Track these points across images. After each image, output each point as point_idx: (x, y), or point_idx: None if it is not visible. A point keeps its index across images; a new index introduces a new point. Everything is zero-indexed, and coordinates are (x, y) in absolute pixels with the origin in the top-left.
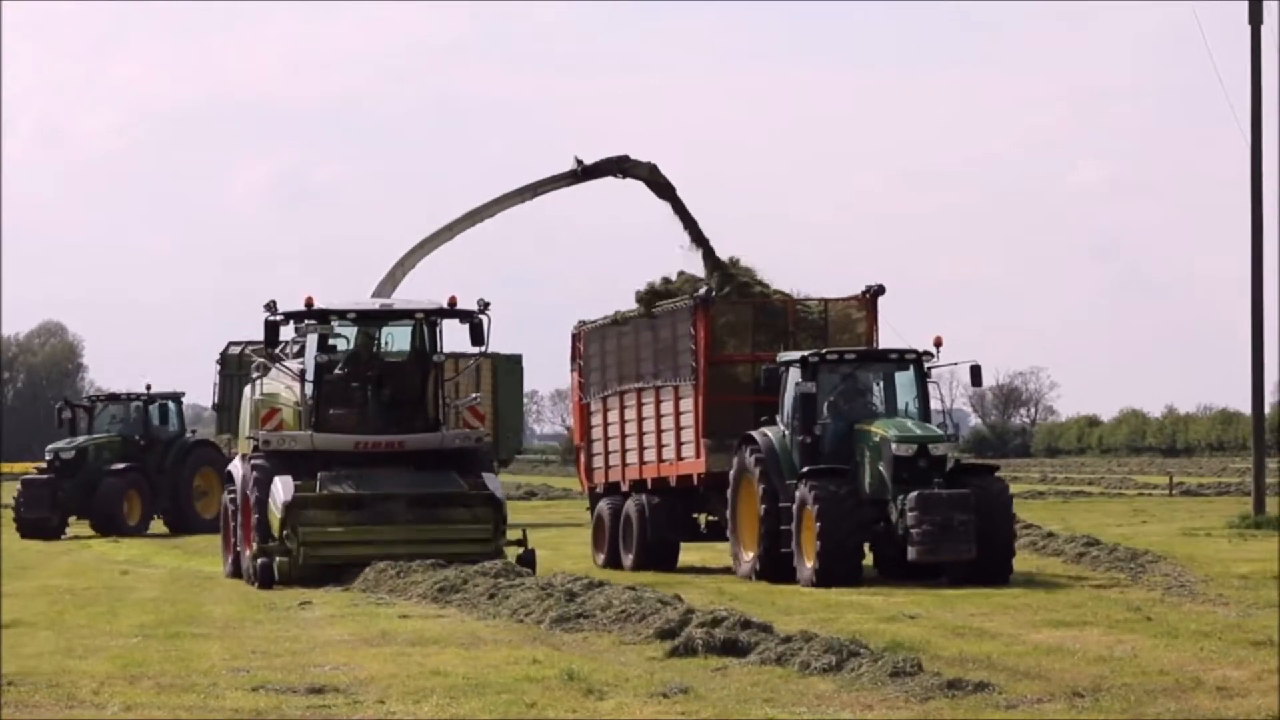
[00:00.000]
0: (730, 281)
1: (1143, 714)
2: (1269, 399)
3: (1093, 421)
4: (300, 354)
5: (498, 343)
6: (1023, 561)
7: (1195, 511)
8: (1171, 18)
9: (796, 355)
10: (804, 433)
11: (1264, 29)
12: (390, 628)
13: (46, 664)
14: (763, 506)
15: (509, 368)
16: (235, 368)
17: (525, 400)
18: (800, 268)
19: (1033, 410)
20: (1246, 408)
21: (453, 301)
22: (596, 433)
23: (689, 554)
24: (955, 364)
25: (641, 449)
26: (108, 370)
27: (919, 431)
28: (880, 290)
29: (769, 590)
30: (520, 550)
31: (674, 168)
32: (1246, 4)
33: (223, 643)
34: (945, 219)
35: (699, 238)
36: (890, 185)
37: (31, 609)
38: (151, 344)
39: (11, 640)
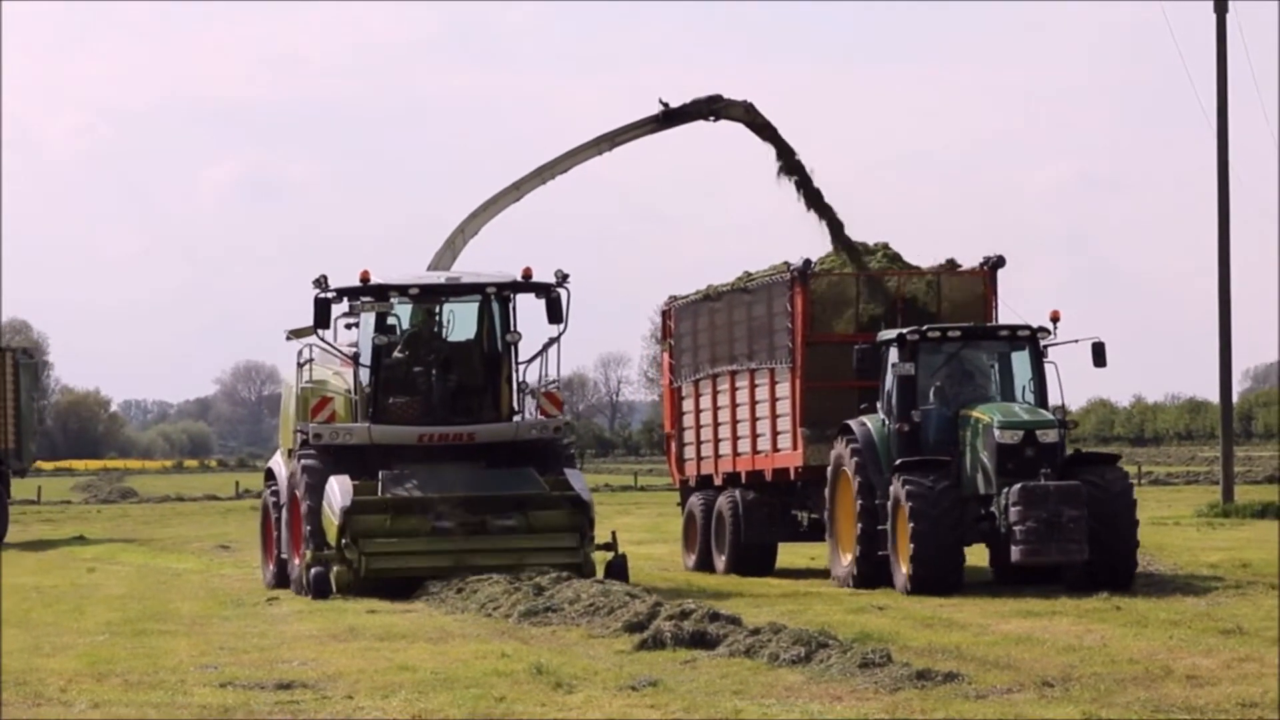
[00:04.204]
0: (845, 244)
1: (1112, 703)
2: (1236, 387)
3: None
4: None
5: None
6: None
7: (1164, 501)
8: (1138, 12)
9: (894, 334)
10: (902, 420)
11: (1229, 17)
12: (358, 623)
13: (14, 662)
14: (859, 504)
15: (27, 364)
16: None
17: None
18: (764, 261)
19: None
20: (1214, 396)
21: (527, 273)
22: (688, 420)
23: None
24: (1075, 341)
25: (735, 439)
26: (74, 368)
27: (1025, 416)
28: (1000, 262)
29: (737, 581)
30: (610, 556)
31: (639, 162)
32: None
33: (190, 639)
34: (911, 213)
35: (808, 186)
36: (857, 179)
37: None
38: (116, 342)
39: None
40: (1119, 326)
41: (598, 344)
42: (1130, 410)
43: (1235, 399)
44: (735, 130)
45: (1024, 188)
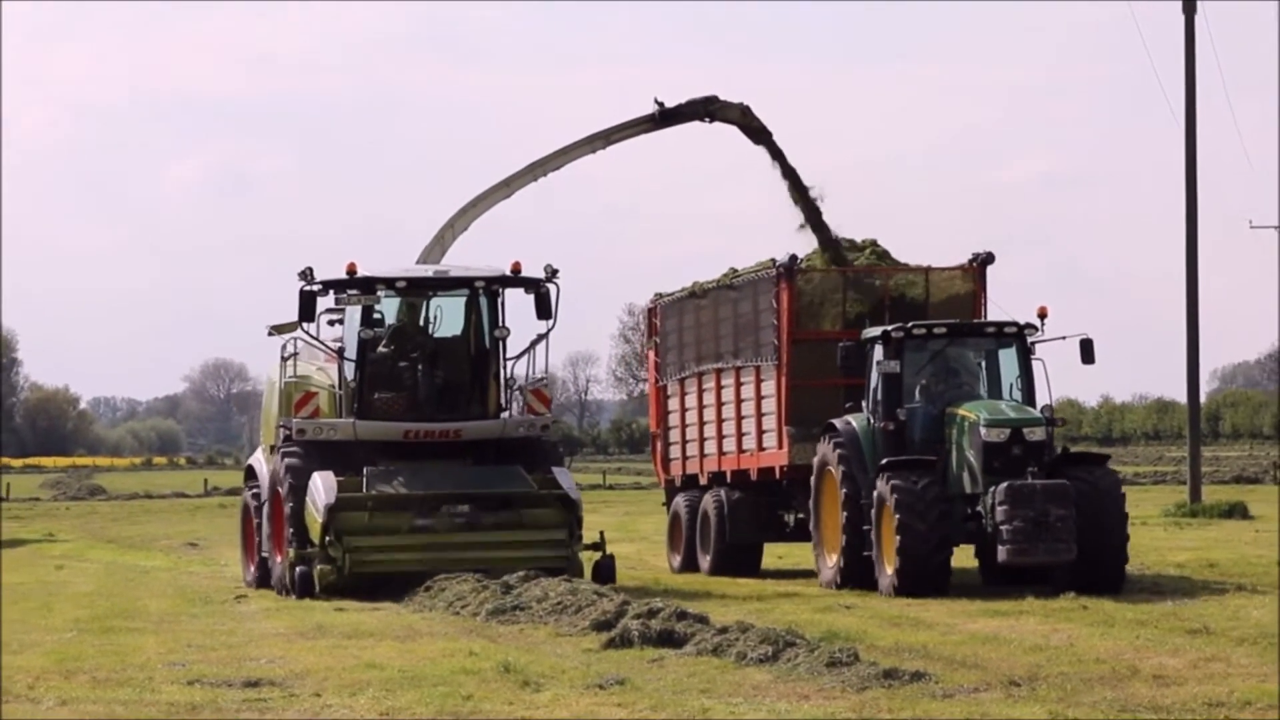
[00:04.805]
0: (834, 247)
1: (1079, 702)
2: (1204, 388)
3: None
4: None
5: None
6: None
7: (1131, 500)
8: (1107, 11)
9: (878, 331)
10: (887, 419)
11: (1197, 18)
12: (326, 621)
13: None
14: (844, 504)
15: None
16: None
17: None
18: (746, 258)
19: None
20: (1182, 396)
21: (516, 268)
22: (674, 419)
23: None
24: (1064, 337)
25: (720, 437)
26: (44, 365)
27: (1012, 414)
28: (989, 258)
29: (705, 581)
30: (598, 556)
31: (614, 162)
32: None
33: (158, 637)
34: (878, 211)
35: (800, 190)
36: (824, 179)
37: None
38: (85, 339)
39: None
40: (1086, 325)
41: (566, 343)
42: (1098, 410)
43: (1203, 399)
44: (709, 129)
45: (991, 186)
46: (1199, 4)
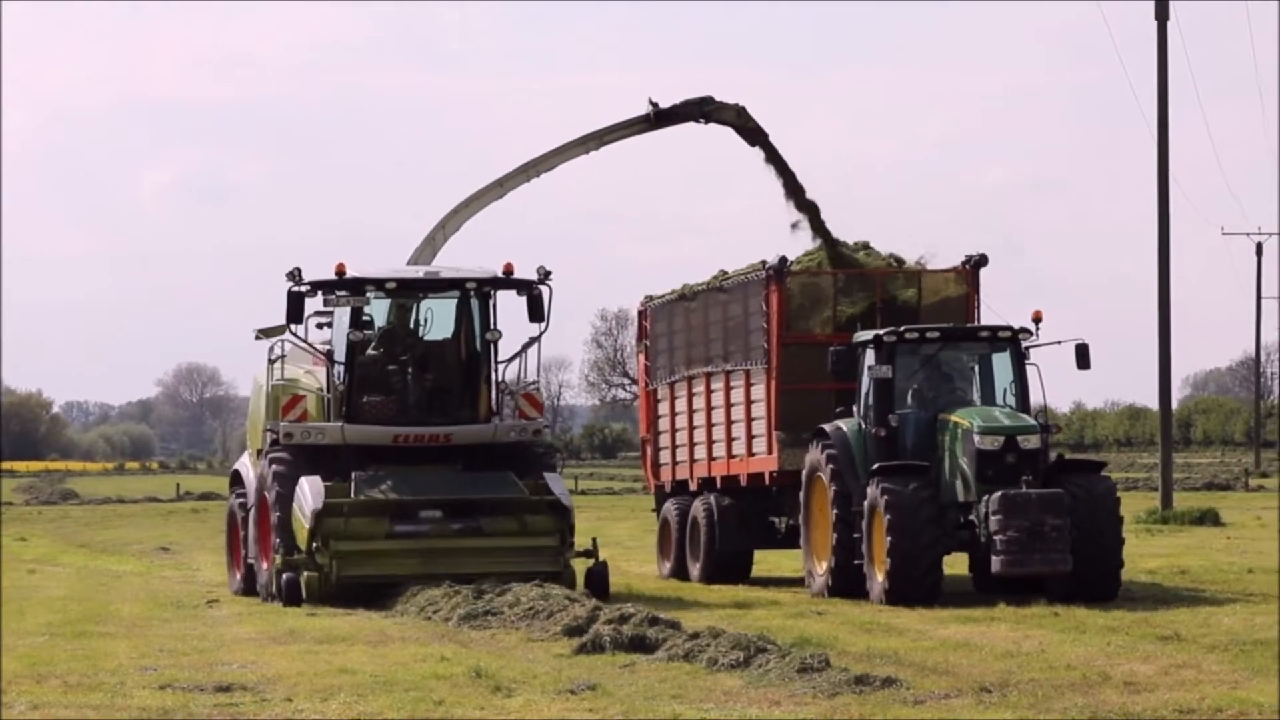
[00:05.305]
0: (833, 248)
1: (1050, 709)
2: (1176, 394)
3: None
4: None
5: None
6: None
7: None
8: (1078, 16)
9: (870, 335)
10: (879, 424)
11: (1170, 25)
12: (298, 625)
13: None
14: (834, 511)
15: None
16: None
17: None
18: (728, 261)
19: None
20: (1154, 402)
21: (508, 269)
22: (663, 424)
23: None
24: (1059, 342)
25: (710, 443)
26: (16, 369)
27: (1006, 421)
28: (982, 260)
29: (678, 587)
30: (590, 563)
31: (585, 167)
32: (1153, 2)
33: (130, 641)
34: (855, 217)
35: (797, 192)
36: (816, 183)
37: None
38: (58, 343)
39: None
40: (1058, 330)
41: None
42: (1070, 416)
43: (1174, 406)
44: (681, 131)
45: (965, 191)
46: (1171, 6)
